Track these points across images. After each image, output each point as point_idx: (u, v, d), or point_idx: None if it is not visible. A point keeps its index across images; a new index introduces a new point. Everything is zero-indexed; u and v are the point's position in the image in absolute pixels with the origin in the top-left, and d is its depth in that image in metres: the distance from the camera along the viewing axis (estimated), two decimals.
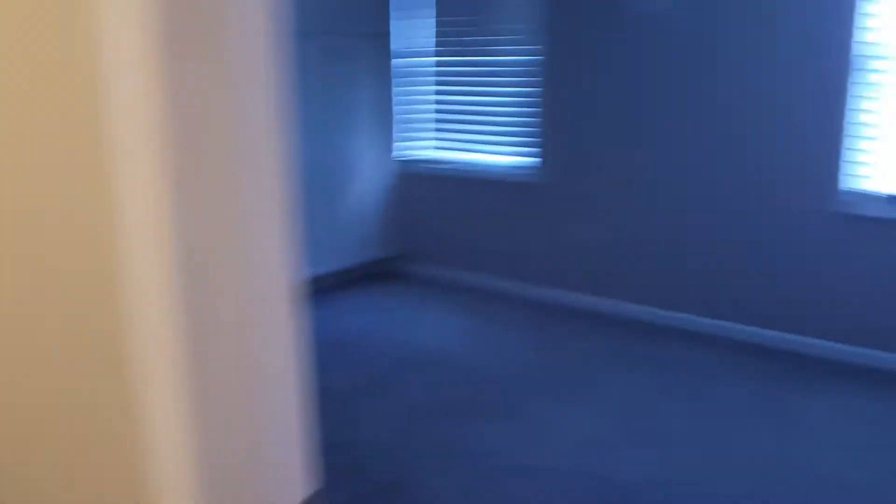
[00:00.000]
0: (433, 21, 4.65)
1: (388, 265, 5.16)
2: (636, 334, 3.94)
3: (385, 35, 4.76)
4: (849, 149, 3.30)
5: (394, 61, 4.79)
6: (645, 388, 3.28)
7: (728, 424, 2.95)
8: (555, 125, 4.25)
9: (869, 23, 3.16)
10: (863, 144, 3.28)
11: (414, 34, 4.73)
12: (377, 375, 3.49)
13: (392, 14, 4.73)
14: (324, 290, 4.75)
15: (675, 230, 3.94)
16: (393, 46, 4.77)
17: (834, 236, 3.42)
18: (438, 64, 4.70)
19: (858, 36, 3.18)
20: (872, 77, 3.19)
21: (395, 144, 4.96)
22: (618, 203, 4.10)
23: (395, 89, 4.84)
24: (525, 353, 3.74)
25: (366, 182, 4.84)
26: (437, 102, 4.77)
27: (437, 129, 4.81)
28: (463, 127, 4.69)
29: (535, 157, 4.38)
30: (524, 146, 4.42)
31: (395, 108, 4.88)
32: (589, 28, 4.01)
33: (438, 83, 4.74)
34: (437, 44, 4.66)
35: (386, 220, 5.02)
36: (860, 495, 2.48)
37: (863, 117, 3.25)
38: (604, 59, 3.99)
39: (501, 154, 4.54)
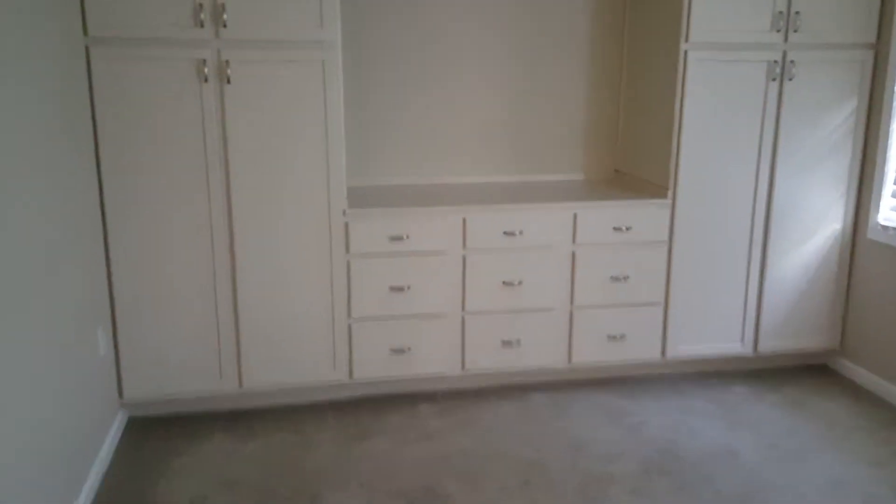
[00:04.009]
0: None
1: (810, 360, 3.78)
2: None
3: (872, 47, 3.42)
4: None
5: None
6: None
7: None
8: None
9: None
10: None
11: None
12: None
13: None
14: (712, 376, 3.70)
15: None
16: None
17: None
18: None
19: None
20: None
21: (865, 202, 3.53)
22: None
23: (886, 124, 3.41)
24: None
25: (811, 244, 3.56)
26: None
27: None
28: None
29: None
30: None
31: (881, 151, 3.45)
32: None
33: None
34: None
35: (824, 301, 3.63)
36: None
37: None
38: None
39: None
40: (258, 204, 3.06)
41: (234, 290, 3.12)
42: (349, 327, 3.26)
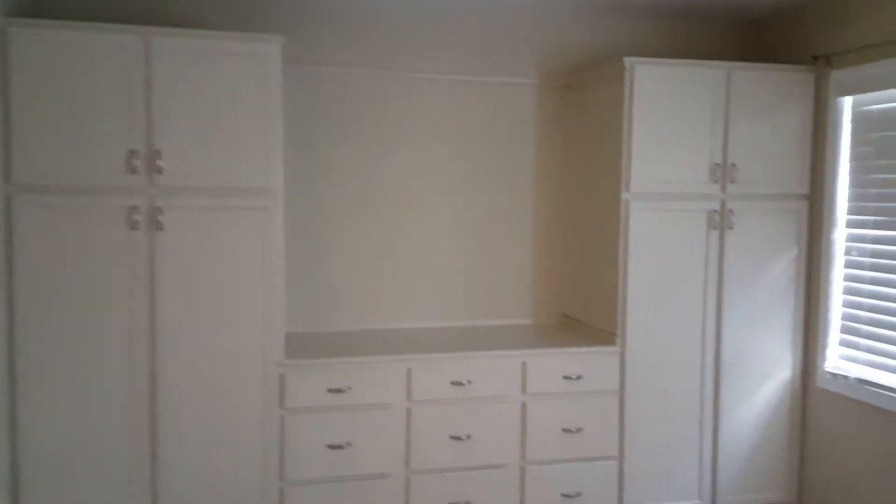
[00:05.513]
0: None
1: None
2: None
3: (807, 198, 3.51)
4: None
5: (832, 234, 3.43)
6: None
7: None
8: None
9: None
10: None
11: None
12: None
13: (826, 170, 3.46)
14: None
15: None
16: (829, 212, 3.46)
17: None
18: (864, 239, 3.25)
19: None
20: None
21: (812, 351, 3.51)
22: None
23: (826, 273, 3.45)
24: None
25: (762, 393, 3.48)
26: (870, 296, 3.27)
27: (869, 336, 3.27)
28: None
29: None
30: None
31: (823, 299, 3.46)
32: None
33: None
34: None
35: (780, 453, 3.52)
36: None
37: None
38: None
39: None
40: (186, 356, 2.84)
41: (154, 452, 2.83)
42: (281, 492, 2.97)
